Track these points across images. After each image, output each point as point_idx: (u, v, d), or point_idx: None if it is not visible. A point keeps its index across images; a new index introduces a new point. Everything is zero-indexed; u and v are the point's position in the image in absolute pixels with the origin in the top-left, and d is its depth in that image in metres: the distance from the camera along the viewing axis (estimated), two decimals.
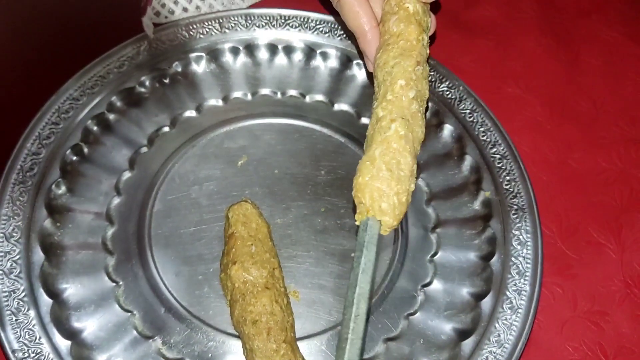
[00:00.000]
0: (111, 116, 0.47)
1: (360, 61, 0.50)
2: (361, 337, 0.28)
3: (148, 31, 0.52)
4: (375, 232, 0.31)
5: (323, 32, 0.51)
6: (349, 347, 0.27)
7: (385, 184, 0.31)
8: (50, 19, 0.54)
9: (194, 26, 0.50)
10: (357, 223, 0.32)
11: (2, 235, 0.40)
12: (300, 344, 0.39)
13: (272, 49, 0.51)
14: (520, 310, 0.40)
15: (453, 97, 0.49)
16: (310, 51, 0.51)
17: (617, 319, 0.43)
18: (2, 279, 0.39)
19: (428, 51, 0.38)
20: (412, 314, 0.41)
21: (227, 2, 0.54)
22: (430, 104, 0.48)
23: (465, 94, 0.49)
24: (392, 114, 0.34)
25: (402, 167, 0.32)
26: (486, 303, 0.41)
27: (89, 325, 0.39)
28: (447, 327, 0.41)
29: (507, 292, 0.41)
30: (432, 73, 0.50)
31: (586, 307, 0.43)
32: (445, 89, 0.49)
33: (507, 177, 0.45)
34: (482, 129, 0.47)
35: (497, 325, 0.40)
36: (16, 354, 0.37)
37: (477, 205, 0.45)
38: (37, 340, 0.38)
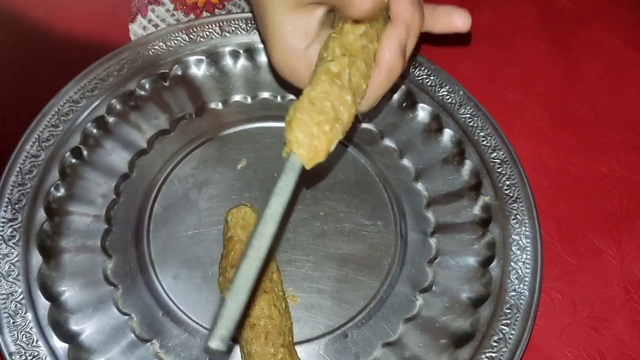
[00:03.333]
0: (111, 119, 0.47)
1: None
2: (261, 257, 0.27)
3: (133, 38, 0.52)
4: (296, 161, 0.30)
5: None
6: (246, 262, 0.27)
7: (305, 115, 0.31)
8: (51, 21, 0.54)
9: (194, 29, 0.50)
10: (283, 155, 0.31)
11: (0, 237, 0.40)
12: (298, 348, 0.39)
13: None
14: (519, 316, 0.40)
15: (453, 102, 0.49)
16: None
17: (617, 325, 0.43)
18: (0, 281, 0.39)
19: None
20: (411, 319, 0.41)
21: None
22: (430, 108, 0.48)
23: (465, 99, 0.49)
24: (333, 52, 0.33)
25: (330, 100, 0.31)
26: (485, 308, 0.41)
27: (87, 328, 0.39)
28: (446, 332, 0.41)
29: (507, 298, 0.41)
30: (432, 78, 0.50)
31: (586, 313, 0.43)
32: (446, 93, 0.49)
33: (507, 182, 0.45)
34: (482, 134, 0.47)
35: (496, 330, 0.40)
36: (13, 357, 0.37)
37: (476, 210, 0.45)
38: (34, 343, 0.38)
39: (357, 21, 0.34)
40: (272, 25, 0.37)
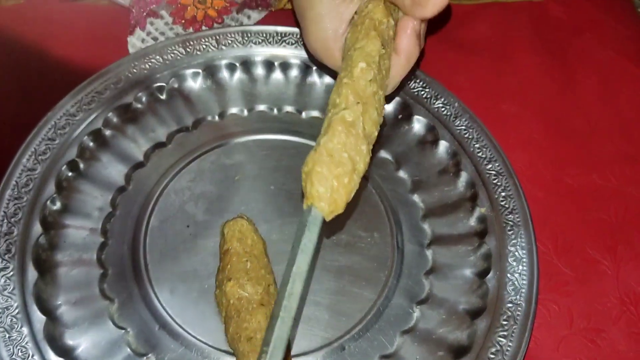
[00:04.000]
0: (107, 132, 0.47)
1: None
2: (292, 315, 0.28)
3: (132, 50, 0.52)
4: (317, 215, 0.31)
5: None
6: (279, 324, 0.28)
7: (325, 168, 0.31)
8: (49, 35, 0.54)
9: (191, 43, 0.51)
10: (304, 208, 0.32)
11: None
12: None
13: (269, 65, 0.51)
14: (516, 328, 0.40)
15: (448, 113, 0.49)
16: (306, 68, 0.51)
17: (613, 337, 0.43)
18: None
19: (392, 33, 0.38)
20: (408, 331, 0.41)
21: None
22: (425, 120, 0.49)
23: (460, 110, 0.49)
24: (347, 100, 0.33)
25: (347, 150, 0.31)
26: (482, 320, 0.41)
27: (83, 343, 0.39)
28: (443, 344, 0.40)
29: (503, 309, 0.41)
30: (428, 90, 0.50)
31: (582, 325, 0.43)
32: (441, 105, 0.49)
33: (503, 194, 0.45)
34: (477, 146, 0.47)
35: (493, 341, 0.40)
36: None
37: (472, 221, 0.45)
38: (30, 358, 0.37)
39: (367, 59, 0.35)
40: (317, 7, 0.39)
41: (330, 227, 0.45)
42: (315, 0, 0.39)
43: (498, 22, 0.58)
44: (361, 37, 0.36)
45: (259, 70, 0.51)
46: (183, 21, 0.53)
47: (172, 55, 0.50)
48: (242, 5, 0.55)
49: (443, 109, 0.49)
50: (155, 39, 0.53)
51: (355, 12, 0.39)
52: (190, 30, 0.53)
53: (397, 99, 0.50)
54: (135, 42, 0.53)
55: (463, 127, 0.48)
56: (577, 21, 0.59)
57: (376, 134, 0.35)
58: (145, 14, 0.53)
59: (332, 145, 0.32)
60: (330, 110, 0.34)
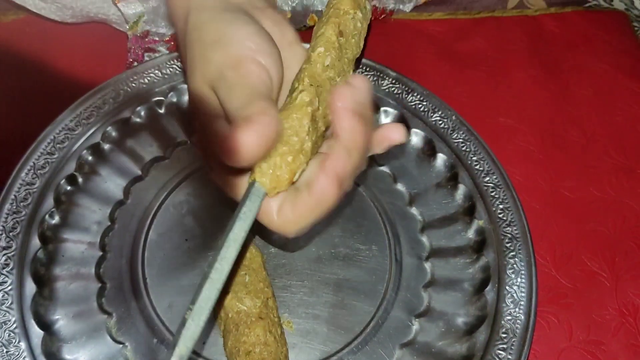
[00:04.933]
0: (106, 146, 0.47)
1: None
2: (223, 279, 0.28)
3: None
4: (259, 189, 0.30)
5: None
6: (208, 285, 0.28)
7: (272, 148, 0.31)
8: (48, 52, 0.54)
9: None
10: (248, 182, 0.31)
11: None
12: None
13: None
14: (515, 340, 0.40)
15: (446, 126, 0.49)
16: None
17: (612, 349, 0.42)
18: None
19: (364, 26, 0.37)
20: (407, 344, 0.41)
21: None
22: (423, 133, 0.49)
23: (457, 123, 0.49)
24: (302, 83, 0.33)
25: (298, 132, 0.31)
26: (481, 333, 0.41)
27: (81, 357, 0.39)
28: (442, 357, 0.40)
29: (502, 322, 0.41)
30: (425, 103, 0.50)
31: (582, 337, 0.43)
32: (438, 118, 0.50)
33: (501, 206, 0.46)
34: (475, 158, 0.48)
35: (492, 354, 0.40)
36: None
37: (470, 234, 0.45)
38: None
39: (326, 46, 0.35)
40: (192, 94, 0.34)
41: (329, 241, 0.45)
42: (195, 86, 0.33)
43: (493, 36, 0.59)
44: (322, 25, 0.36)
45: None
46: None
47: (171, 69, 0.50)
48: None
49: (440, 122, 0.49)
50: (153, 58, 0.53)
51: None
52: None
53: (394, 112, 0.50)
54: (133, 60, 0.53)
55: (460, 140, 0.48)
56: (571, 35, 0.60)
57: (329, 118, 0.34)
58: (142, 50, 0.53)
59: (285, 126, 0.31)
60: (288, 96, 0.34)
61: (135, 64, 0.53)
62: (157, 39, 0.53)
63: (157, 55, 0.53)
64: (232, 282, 0.40)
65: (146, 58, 0.53)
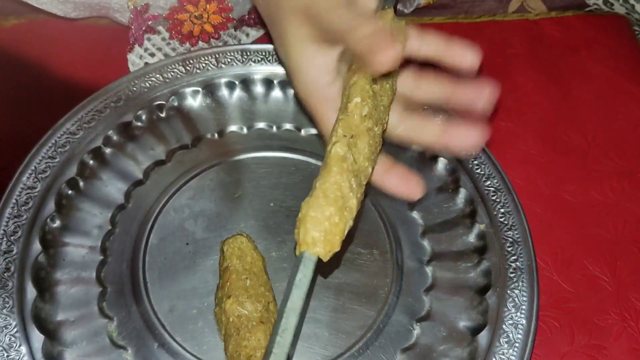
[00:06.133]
0: (107, 150, 0.47)
1: None
2: (286, 351, 0.28)
3: (132, 68, 0.53)
4: (311, 258, 0.31)
5: None
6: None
7: (319, 211, 0.31)
8: (48, 55, 0.55)
9: (191, 61, 0.51)
10: (296, 254, 0.32)
11: None
12: None
13: (268, 83, 0.52)
14: (517, 345, 0.40)
15: None
16: None
17: (614, 353, 0.42)
18: None
19: (397, 71, 0.38)
20: (408, 348, 0.41)
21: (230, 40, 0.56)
22: None
23: None
24: (336, 135, 0.33)
25: (341, 188, 0.31)
26: (483, 337, 0.40)
27: None
28: None
29: (504, 326, 0.41)
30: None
31: (583, 341, 0.43)
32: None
33: (502, 210, 0.46)
34: (475, 162, 0.48)
35: (494, 359, 0.39)
36: None
37: (472, 238, 0.45)
38: None
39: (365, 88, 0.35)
40: (293, 58, 0.39)
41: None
42: (290, 48, 0.39)
43: (494, 41, 0.59)
44: (353, 73, 0.36)
45: (259, 88, 0.52)
46: (180, 36, 0.54)
47: (172, 73, 0.51)
48: (240, 23, 0.56)
49: None
50: (152, 54, 0.53)
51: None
52: (187, 45, 0.54)
53: None
54: (134, 59, 0.53)
55: None
56: (572, 39, 0.60)
57: (370, 170, 0.34)
58: (143, 30, 0.53)
59: (328, 186, 0.31)
60: (326, 150, 0.34)
61: (136, 46, 0.53)
62: (157, 13, 0.53)
63: (156, 36, 0.54)
64: (267, 293, 0.40)
65: (145, 41, 0.53)
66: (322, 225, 0.31)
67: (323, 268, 0.43)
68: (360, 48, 0.35)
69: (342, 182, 0.32)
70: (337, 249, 0.31)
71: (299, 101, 0.40)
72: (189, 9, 0.53)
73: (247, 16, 0.56)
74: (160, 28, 0.54)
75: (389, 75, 0.37)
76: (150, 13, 0.53)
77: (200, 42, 0.54)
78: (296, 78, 0.40)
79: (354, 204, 0.32)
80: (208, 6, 0.54)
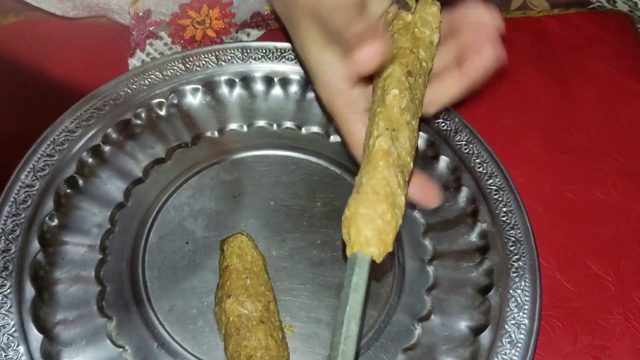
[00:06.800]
0: (106, 148, 0.47)
1: None
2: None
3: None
4: (365, 259, 0.29)
5: None
6: None
7: (370, 208, 0.29)
8: (48, 55, 0.54)
9: (191, 59, 0.51)
10: (348, 255, 0.30)
11: None
12: None
13: (268, 81, 0.51)
14: (519, 345, 0.40)
15: (448, 129, 0.49)
16: (306, 83, 0.51)
17: (617, 353, 0.42)
18: None
19: (430, 66, 0.37)
20: (410, 348, 0.41)
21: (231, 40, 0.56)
22: (426, 135, 0.49)
23: (460, 125, 0.49)
24: (378, 128, 0.32)
25: (389, 183, 0.30)
26: (485, 337, 0.40)
27: None
28: None
29: (506, 326, 0.40)
30: None
31: (586, 341, 0.43)
32: (441, 121, 0.49)
33: (504, 209, 0.45)
34: (477, 161, 0.47)
35: (496, 359, 0.39)
36: None
37: (474, 237, 0.45)
38: None
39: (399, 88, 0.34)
40: (312, 62, 0.38)
41: (330, 244, 0.45)
42: (308, 53, 0.38)
43: None
44: (386, 66, 0.35)
45: (259, 86, 0.51)
46: (182, 41, 0.54)
47: (172, 71, 0.50)
48: (242, 26, 0.55)
49: (443, 125, 0.49)
50: (154, 59, 0.53)
51: None
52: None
53: None
54: (135, 63, 0.53)
55: (463, 143, 0.48)
56: (574, 37, 0.59)
57: (411, 165, 0.33)
58: (144, 36, 0.53)
59: (376, 181, 0.30)
60: (364, 144, 0.33)
61: (138, 51, 0.52)
62: (158, 19, 0.52)
63: (158, 41, 0.53)
64: (267, 292, 0.40)
65: (147, 46, 0.53)
66: (375, 224, 0.29)
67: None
68: (348, 47, 0.34)
69: (390, 177, 0.30)
70: (391, 249, 0.30)
71: (319, 103, 0.40)
72: (191, 15, 0.53)
73: (249, 21, 0.55)
74: (163, 33, 0.54)
75: (421, 70, 0.36)
76: (152, 19, 0.52)
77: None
78: (316, 82, 0.40)
79: (402, 201, 0.31)
80: (210, 12, 0.53)
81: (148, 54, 0.53)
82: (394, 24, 0.38)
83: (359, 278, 0.28)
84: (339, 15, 0.35)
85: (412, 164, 0.34)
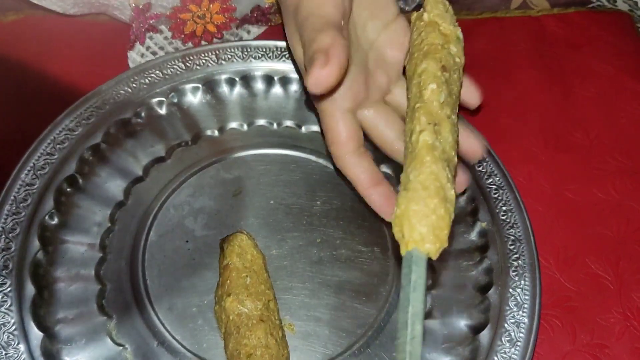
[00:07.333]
0: (106, 147, 0.47)
1: None
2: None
3: (132, 65, 0.52)
4: (421, 256, 0.29)
5: None
6: None
7: (422, 204, 0.29)
8: (48, 52, 0.54)
9: (191, 57, 0.51)
10: (402, 254, 0.29)
11: None
12: None
13: (268, 80, 0.51)
14: (519, 344, 0.40)
15: None
16: None
17: (616, 352, 0.42)
18: None
19: (462, 61, 0.37)
20: None
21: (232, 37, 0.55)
22: None
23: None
24: (420, 123, 0.31)
25: (438, 178, 0.29)
26: (484, 336, 0.40)
27: None
28: None
29: (506, 325, 0.40)
30: None
31: (586, 340, 0.43)
32: None
33: (504, 208, 0.45)
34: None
35: (495, 358, 0.39)
36: None
37: (473, 235, 0.45)
38: None
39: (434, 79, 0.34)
40: (297, 56, 0.38)
41: (330, 242, 0.45)
42: (298, 57, 0.38)
43: (496, 37, 0.59)
44: (418, 61, 0.35)
45: (259, 85, 0.51)
46: (182, 36, 0.54)
47: (172, 70, 0.50)
48: (242, 21, 0.55)
49: None
50: (154, 53, 0.53)
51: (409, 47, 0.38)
52: (189, 44, 0.54)
53: None
54: (135, 56, 0.53)
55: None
56: (574, 36, 0.59)
57: (456, 159, 0.32)
58: (144, 29, 0.53)
59: (425, 177, 0.29)
60: (406, 142, 0.32)
61: (137, 44, 0.52)
62: (159, 12, 0.52)
63: (158, 35, 0.53)
64: (267, 291, 0.40)
65: (147, 39, 0.53)
66: (429, 219, 0.28)
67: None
68: (308, 60, 0.33)
69: (438, 171, 0.29)
70: (446, 244, 0.29)
71: (308, 97, 0.40)
72: (192, 9, 0.53)
73: (249, 15, 0.55)
74: (163, 27, 0.54)
75: (455, 66, 0.36)
76: (152, 12, 0.52)
77: (202, 42, 0.54)
78: (303, 75, 0.39)
79: (452, 196, 0.30)
80: (211, 6, 0.53)
81: (148, 48, 0.53)
82: (417, 24, 0.38)
83: (417, 276, 0.28)
84: (310, 25, 0.34)
85: (456, 158, 0.33)
